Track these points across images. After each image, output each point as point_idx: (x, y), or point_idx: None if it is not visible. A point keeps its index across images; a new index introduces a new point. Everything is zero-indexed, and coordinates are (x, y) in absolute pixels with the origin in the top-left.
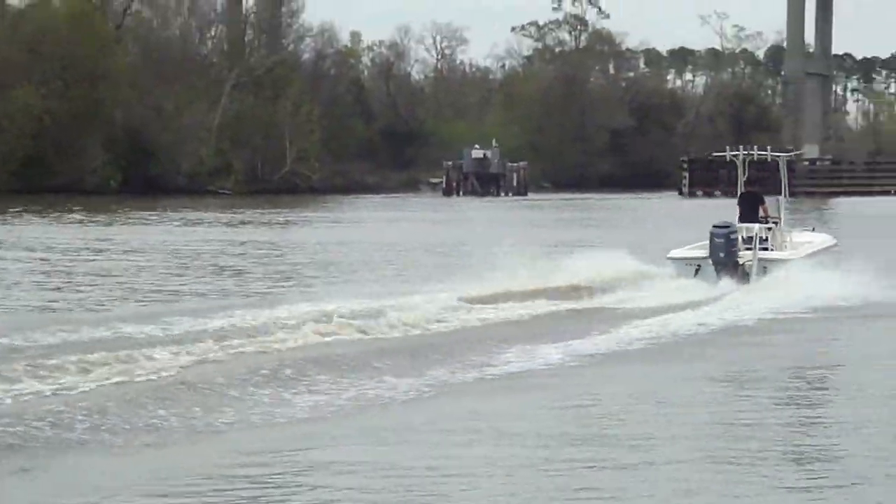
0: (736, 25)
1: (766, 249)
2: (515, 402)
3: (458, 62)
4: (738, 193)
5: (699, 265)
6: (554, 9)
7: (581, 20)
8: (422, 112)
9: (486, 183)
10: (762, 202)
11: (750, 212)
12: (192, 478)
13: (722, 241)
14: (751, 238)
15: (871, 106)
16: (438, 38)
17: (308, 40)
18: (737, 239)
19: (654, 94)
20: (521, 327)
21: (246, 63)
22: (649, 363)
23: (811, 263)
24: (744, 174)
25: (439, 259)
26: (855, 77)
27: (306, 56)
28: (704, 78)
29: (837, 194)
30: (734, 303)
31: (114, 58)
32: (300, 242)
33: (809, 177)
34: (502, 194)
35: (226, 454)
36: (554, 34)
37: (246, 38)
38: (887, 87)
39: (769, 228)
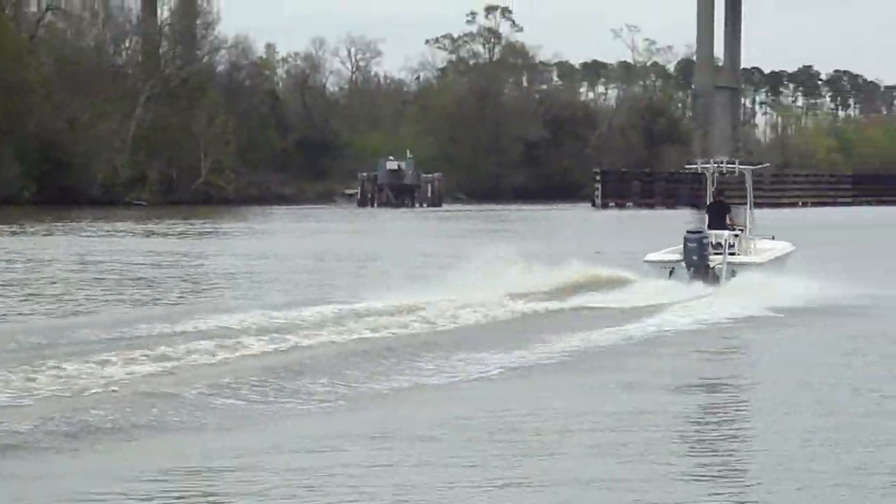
0: (647, 39)
1: (733, 254)
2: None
3: (372, 74)
4: (707, 203)
5: (673, 268)
6: (468, 22)
7: (495, 33)
8: (337, 124)
9: (400, 194)
10: (728, 211)
11: (718, 219)
12: None
13: (695, 245)
14: (720, 244)
15: (779, 119)
16: (353, 50)
17: (223, 52)
18: (708, 244)
19: (568, 106)
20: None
21: (161, 74)
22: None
23: (775, 267)
24: (712, 185)
25: (351, 270)
26: (763, 90)
27: (221, 67)
28: (617, 91)
29: (747, 205)
30: (707, 303)
31: (27, 69)
32: (211, 253)
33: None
34: (417, 205)
35: None
36: (468, 47)
37: (161, 50)
38: (795, 101)
39: (736, 235)
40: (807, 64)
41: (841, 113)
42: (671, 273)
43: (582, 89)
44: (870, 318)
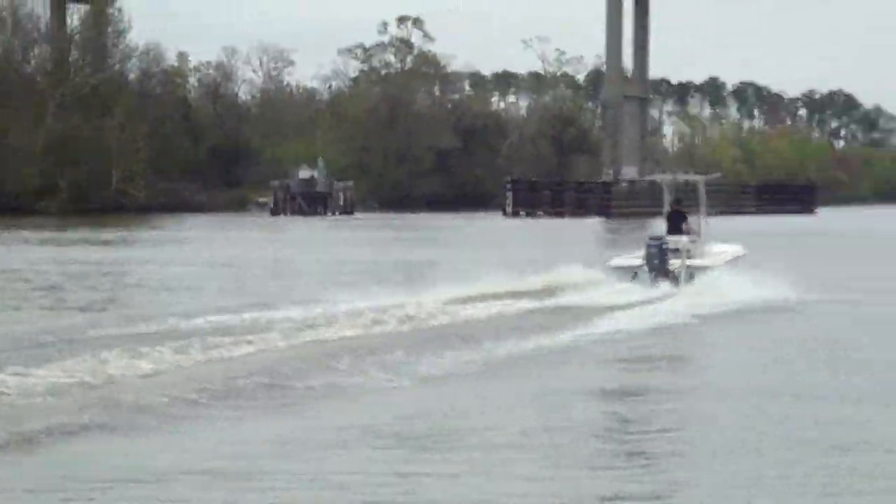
0: (557, 50)
1: (690, 258)
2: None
3: (284, 83)
4: (666, 211)
5: (636, 272)
6: (380, 32)
7: (407, 43)
8: (249, 132)
9: (313, 202)
10: (685, 219)
11: (676, 226)
12: None
13: (656, 250)
14: (678, 249)
15: (687, 129)
16: (265, 59)
17: (134, 60)
18: (668, 249)
19: (479, 116)
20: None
21: (71, 82)
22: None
23: (729, 270)
24: (670, 195)
25: (262, 279)
26: (671, 101)
27: (132, 76)
28: (527, 101)
29: (655, 215)
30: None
31: None
32: (120, 262)
33: (628, 198)
34: (329, 214)
35: None
36: (380, 56)
37: (71, 58)
38: (701, 111)
39: (693, 241)
40: (713, 75)
41: (746, 123)
42: (634, 276)
43: (493, 99)
44: (819, 316)
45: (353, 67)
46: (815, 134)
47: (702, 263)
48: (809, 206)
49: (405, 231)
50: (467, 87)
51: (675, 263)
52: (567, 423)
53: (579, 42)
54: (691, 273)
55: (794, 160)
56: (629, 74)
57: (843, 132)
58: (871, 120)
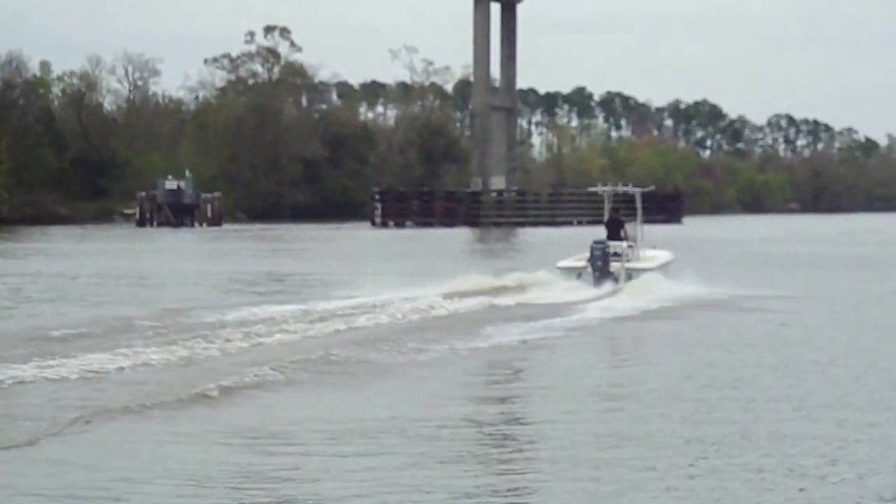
0: (425, 60)
1: (629, 262)
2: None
3: (150, 93)
4: (605, 219)
5: (581, 272)
6: (247, 42)
7: (274, 53)
8: (115, 142)
9: (179, 213)
10: (623, 226)
11: (614, 233)
12: None
13: (599, 253)
14: (617, 253)
15: (555, 139)
16: (130, 69)
17: None
18: (610, 252)
19: (347, 125)
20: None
21: None
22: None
23: (662, 272)
24: (609, 204)
25: (124, 290)
26: (539, 111)
27: None
28: (395, 110)
29: (524, 224)
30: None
31: None
32: None
33: (496, 208)
34: (196, 225)
35: None
36: (247, 66)
37: None
38: (569, 121)
39: (630, 246)
40: (580, 85)
41: (614, 133)
42: (579, 276)
43: (361, 109)
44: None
45: (220, 77)
46: (682, 143)
47: (639, 266)
48: (676, 215)
49: (275, 242)
50: (335, 97)
51: (615, 266)
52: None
53: (447, 52)
54: (629, 274)
55: (661, 170)
56: (497, 85)
57: (708, 142)
58: (735, 130)
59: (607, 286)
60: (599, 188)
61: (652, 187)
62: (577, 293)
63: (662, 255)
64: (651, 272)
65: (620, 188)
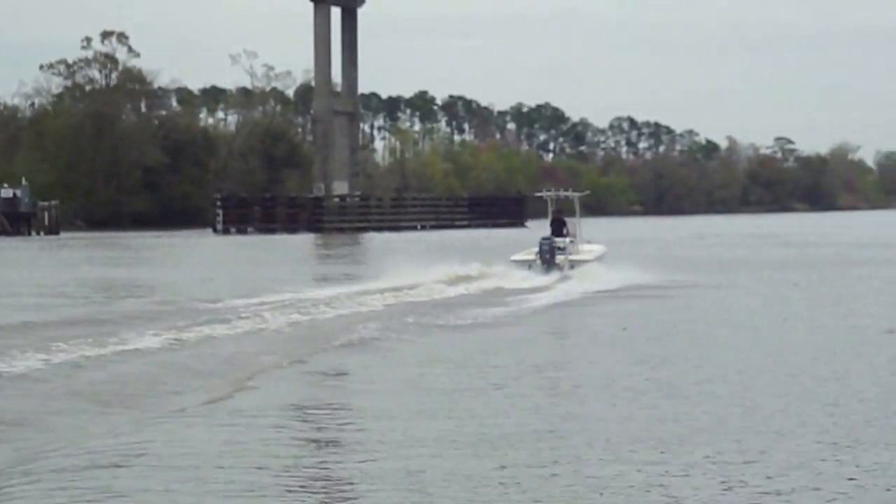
0: (266, 65)
1: (571, 254)
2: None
3: None
4: (550, 219)
5: (531, 264)
6: (83, 47)
7: (111, 59)
8: None
9: (16, 223)
10: (565, 224)
11: (558, 230)
12: None
13: (547, 247)
14: (562, 247)
15: (398, 143)
16: None
17: None
18: (555, 246)
19: (187, 131)
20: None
21: None
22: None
23: (599, 262)
24: (552, 206)
25: None
26: (381, 115)
27: None
28: (236, 116)
29: (367, 230)
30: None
31: None
32: None
33: (340, 213)
34: (34, 234)
35: None
36: (84, 72)
37: None
38: (412, 126)
39: (571, 241)
40: (423, 89)
41: (457, 137)
42: (529, 267)
43: (201, 115)
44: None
45: (57, 84)
46: (524, 147)
47: (580, 258)
48: (520, 218)
49: (118, 250)
50: (175, 103)
51: (560, 258)
52: None
53: (288, 57)
54: (572, 265)
55: (504, 173)
56: (339, 89)
57: (551, 145)
58: (577, 133)
59: (554, 275)
60: (544, 193)
61: (587, 192)
62: (534, 281)
63: (598, 248)
64: (591, 263)
65: (562, 193)
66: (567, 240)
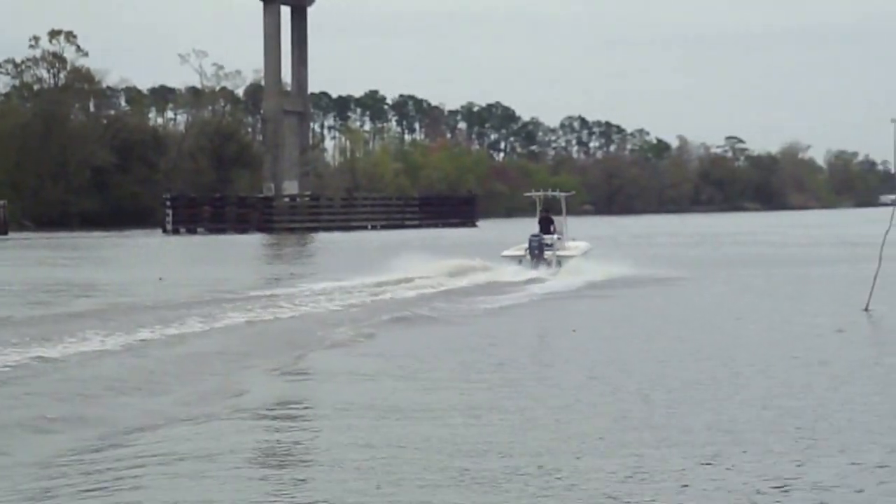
0: (215, 64)
1: (558, 250)
2: None
3: None
4: (539, 217)
5: (521, 259)
6: (31, 46)
7: (60, 58)
8: None
9: None
10: (552, 222)
11: (546, 228)
12: None
13: (536, 244)
14: (550, 244)
15: (348, 143)
16: None
17: None
18: (543, 243)
19: (136, 131)
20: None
21: None
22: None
23: (585, 258)
24: (540, 206)
25: None
26: (331, 115)
27: None
28: (186, 116)
29: (318, 230)
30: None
31: None
32: None
33: (290, 213)
34: None
35: None
36: (32, 71)
37: None
38: (362, 125)
39: (558, 238)
40: (373, 89)
41: (408, 137)
42: (519, 262)
43: (151, 114)
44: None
45: (4, 83)
46: (475, 146)
47: (566, 254)
48: (471, 218)
49: (66, 250)
50: (123, 103)
51: (548, 254)
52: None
53: (238, 56)
54: (559, 260)
55: (455, 173)
56: (289, 89)
57: (502, 144)
58: (528, 132)
59: (542, 269)
60: (533, 193)
61: (572, 192)
62: (527, 274)
63: (583, 245)
64: (576, 258)
65: (550, 193)
66: (554, 237)
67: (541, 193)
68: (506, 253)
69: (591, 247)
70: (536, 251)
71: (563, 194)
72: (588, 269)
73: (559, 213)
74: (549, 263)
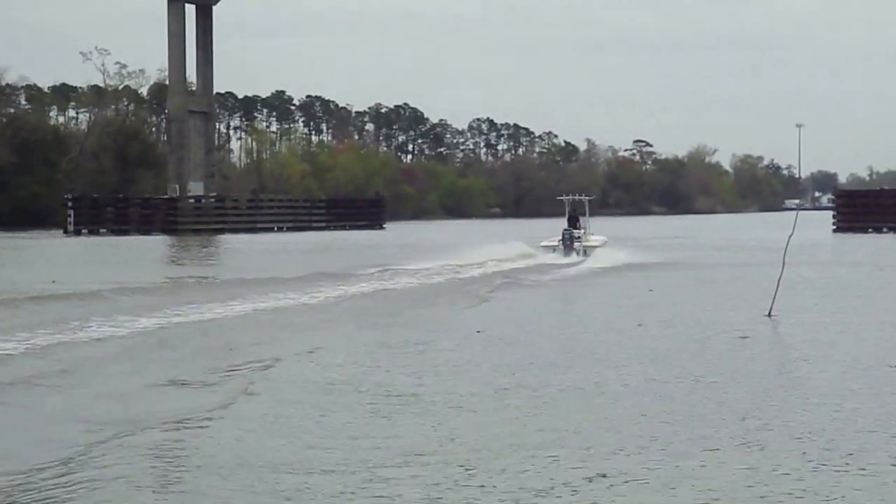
0: (118, 63)
1: (585, 242)
2: None
3: None
4: (567, 216)
5: (555, 248)
6: None
7: None
8: None
9: None
10: (579, 220)
11: (574, 223)
12: None
13: (568, 235)
14: (578, 236)
15: (254, 144)
16: None
17: None
18: (573, 236)
19: (37, 130)
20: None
21: None
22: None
23: (606, 248)
24: (568, 206)
25: None
26: (238, 115)
27: None
28: (88, 115)
29: (223, 231)
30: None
31: None
32: None
33: (195, 214)
34: None
35: None
36: None
37: None
38: (269, 126)
39: (583, 232)
40: (280, 89)
41: (315, 138)
42: (554, 250)
43: (52, 113)
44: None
45: None
46: (383, 148)
47: (591, 244)
48: (378, 220)
49: None
50: (23, 101)
51: (577, 245)
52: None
53: (142, 55)
54: (586, 249)
55: (362, 174)
56: (194, 88)
57: (410, 146)
58: (436, 134)
59: (573, 256)
60: (563, 197)
61: (594, 197)
62: (563, 259)
63: (602, 238)
64: (600, 248)
65: (576, 197)
66: (581, 231)
67: (570, 197)
68: (543, 243)
69: (607, 240)
70: (568, 242)
71: (587, 198)
72: (609, 256)
73: (583, 214)
74: (577, 252)
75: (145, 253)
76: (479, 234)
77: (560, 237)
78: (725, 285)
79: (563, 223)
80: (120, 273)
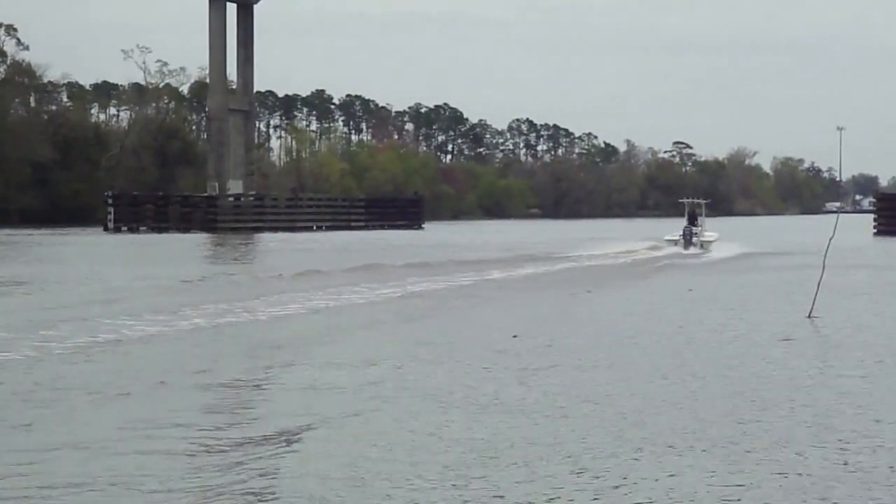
0: (159, 61)
1: (702, 237)
2: None
3: None
4: (687, 215)
5: (677, 241)
6: None
7: (0, 51)
8: None
9: None
10: (696, 218)
11: (693, 221)
12: None
13: (688, 231)
14: (695, 232)
15: (294, 142)
16: None
17: None
18: (693, 232)
19: (78, 127)
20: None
21: None
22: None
23: (719, 241)
24: (688, 208)
25: None
26: (277, 114)
27: None
28: (129, 112)
29: (262, 229)
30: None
31: None
32: None
33: (234, 213)
34: None
35: None
36: None
37: None
38: (308, 125)
39: (700, 228)
40: (320, 88)
41: (354, 137)
42: (675, 243)
43: (93, 111)
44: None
45: None
46: (423, 148)
47: (707, 239)
48: (417, 220)
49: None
50: (65, 98)
51: (695, 239)
52: None
53: (183, 53)
54: (702, 243)
55: (402, 174)
56: (234, 87)
57: (449, 146)
58: (476, 134)
59: (692, 249)
60: (685, 201)
61: (709, 200)
62: (685, 251)
63: (715, 234)
64: (715, 242)
65: (695, 201)
66: (699, 228)
67: (689, 200)
68: (667, 237)
69: (719, 236)
70: (688, 236)
71: (703, 201)
72: (723, 247)
73: (700, 214)
74: (695, 245)
75: (194, 249)
76: (543, 234)
77: (681, 233)
78: None
79: (605, 224)
80: (166, 269)
